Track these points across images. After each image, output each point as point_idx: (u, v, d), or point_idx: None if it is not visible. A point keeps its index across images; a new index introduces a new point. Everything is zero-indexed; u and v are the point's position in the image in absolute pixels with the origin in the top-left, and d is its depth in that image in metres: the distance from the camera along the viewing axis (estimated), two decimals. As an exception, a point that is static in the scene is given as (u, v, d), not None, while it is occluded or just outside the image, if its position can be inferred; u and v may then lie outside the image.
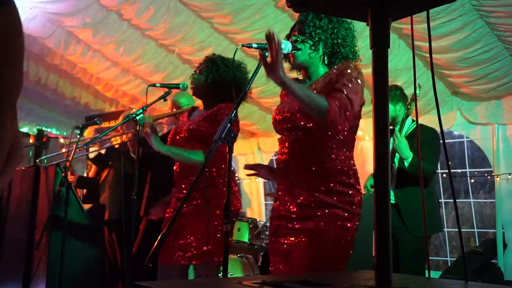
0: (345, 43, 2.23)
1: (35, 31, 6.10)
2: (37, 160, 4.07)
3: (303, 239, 2.13)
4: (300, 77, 2.39)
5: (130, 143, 3.67)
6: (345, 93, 2.06)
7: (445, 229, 6.80)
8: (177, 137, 3.02)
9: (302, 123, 2.16)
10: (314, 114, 2.07)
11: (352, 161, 2.22)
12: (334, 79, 2.14)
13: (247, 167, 2.53)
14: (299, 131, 2.19)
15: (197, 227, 2.80)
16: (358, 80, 2.12)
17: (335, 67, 2.21)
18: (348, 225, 2.12)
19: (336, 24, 2.21)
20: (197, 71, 3.07)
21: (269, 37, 1.92)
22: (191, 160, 2.86)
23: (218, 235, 2.73)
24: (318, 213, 2.11)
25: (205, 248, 2.76)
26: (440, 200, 6.66)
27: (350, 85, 2.09)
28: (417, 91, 3.58)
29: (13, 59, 1.44)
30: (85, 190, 5.06)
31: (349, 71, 2.13)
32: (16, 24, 1.44)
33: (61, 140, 5.11)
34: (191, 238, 2.81)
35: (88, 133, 4.52)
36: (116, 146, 4.08)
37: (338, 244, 2.09)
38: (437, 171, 6.55)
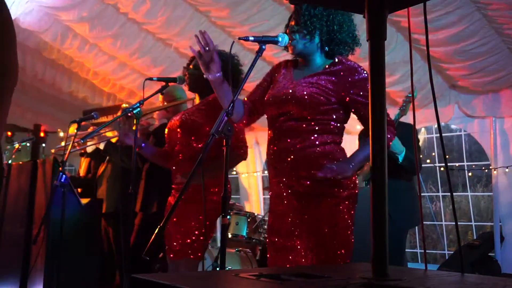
0: (342, 29, 2.20)
1: (31, 25, 6.07)
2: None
3: (301, 232, 2.12)
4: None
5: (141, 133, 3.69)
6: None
7: (443, 223, 6.82)
8: (172, 128, 3.03)
9: (294, 110, 2.16)
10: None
11: (341, 147, 2.23)
12: (349, 85, 2.14)
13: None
14: (290, 119, 2.18)
15: (182, 223, 2.80)
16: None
17: (343, 62, 2.19)
18: (345, 210, 2.12)
19: (331, 11, 2.19)
20: (191, 66, 3.07)
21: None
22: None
23: (197, 232, 2.75)
24: (313, 204, 2.11)
25: (184, 245, 2.77)
26: (438, 194, 6.69)
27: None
28: (415, 92, 3.64)
29: (12, 45, 1.46)
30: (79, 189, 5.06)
31: (366, 83, 2.13)
32: (9, 16, 1.45)
33: (61, 134, 5.11)
34: (177, 234, 2.81)
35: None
36: (114, 141, 4.08)
37: (337, 232, 2.09)
38: (435, 164, 6.59)
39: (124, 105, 4.18)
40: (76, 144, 3.74)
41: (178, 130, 2.96)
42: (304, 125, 2.15)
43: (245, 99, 2.45)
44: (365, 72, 2.17)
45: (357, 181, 2.22)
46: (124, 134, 2.95)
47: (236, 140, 2.84)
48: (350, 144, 2.34)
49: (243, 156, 2.91)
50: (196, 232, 2.77)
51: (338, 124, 2.21)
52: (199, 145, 2.88)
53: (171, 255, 2.84)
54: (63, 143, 4.58)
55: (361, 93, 2.14)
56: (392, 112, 4.26)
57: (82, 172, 5.19)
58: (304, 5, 2.20)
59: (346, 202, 2.13)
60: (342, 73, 2.17)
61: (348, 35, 2.22)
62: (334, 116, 2.18)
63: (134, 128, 2.90)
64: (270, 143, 2.27)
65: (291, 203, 2.16)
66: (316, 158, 2.13)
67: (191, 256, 2.78)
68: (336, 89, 2.15)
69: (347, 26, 2.22)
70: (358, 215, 2.18)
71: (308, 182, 2.12)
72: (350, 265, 1.66)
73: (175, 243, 2.81)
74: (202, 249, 2.79)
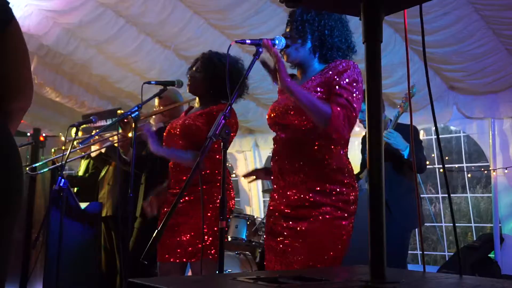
0: (333, 33, 2.18)
1: (31, 28, 6.07)
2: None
3: (298, 239, 2.12)
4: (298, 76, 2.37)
5: (121, 144, 3.65)
6: (346, 97, 2.05)
7: (443, 224, 6.82)
8: (172, 132, 3.02)
9: (296, 122, 2.15)
10: (316, 120, 2.06)
11: (346, 159, 2.20)
12: (332, 79, 2.11)
13: (245, 175, 2.54)
14: (293, 130, 2.17)
15: (192, 224, 2.80)
16: (358, 82, 2.10)
17: (333, 64, 2.17)
18: (343, 223, 2.10)
19: (324, 16, 2.18)
20: (194, 68, 3.06)
21: (266, 46, 2.04)
22: (188, 160, 2.86)
23: (211, 232, 2.74)
24: (313, 213, 2.10)
25: (199, 245, 2.76)
26: (437, 195, 6.68)
27: (350, 88, 2.07)
28: (414, 89, 3.66)
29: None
30: (75, 189, 5.07)
31: (348, 71, 2.10)
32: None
33: (62, 138, 5.10)
34: (187, 235, 2.81)
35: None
36: (116, 144, 4.08)
37: (333, 243, 2.08)
38: (434, 166, 6.60)
39: (119, 111, 4.18)
40: (79, 150, 3.74)
41: (179, 135, 2.96)
42: (306, 135, 2.14)
43: None
44: (345, 63, 2.13)
45: (356, 187, 2.21)
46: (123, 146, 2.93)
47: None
48: (350, 146, 2.32)
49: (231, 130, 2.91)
50: (210, 232, 2.76)
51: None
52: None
53: (184, 259, 2.82)
54: (63, 148, 4.58)
55: (338, 80, 2.09)
56: (391, 113, 4.28)
57: (80, 172, 5.20)
58: (298, 10, 2.20)
59: (344, 210, 2.12)
60: (329, 72, 2.15)
61: (340, 41, 2.20)
62: None
63: (132, 132, 2.90)
64: (274, 155, 2.27)
65: (287, 210, 2.16)
66: (319, 168, 2.13)
67: (210, 257, 2.76)
68: (326, 89, 2.13)
69: (339, 31, 2.20)
70: (358, 218, 2.17)
71: (310, 194, 2.11)
72: (348, 268, 1.66)
73: (188, 245, 2.80)
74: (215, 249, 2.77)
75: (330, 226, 2.08)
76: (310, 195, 2.11)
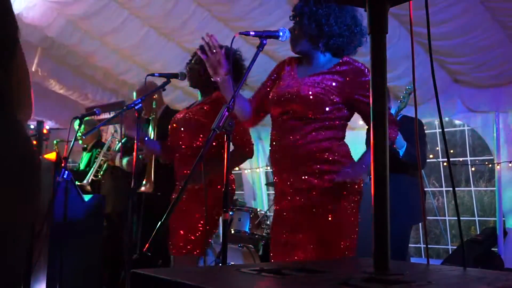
0: (328, 21, 2.16)
1: (35, 19, 6.07)
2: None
3: (304, 228, 2.13)
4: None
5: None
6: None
7: (446, 218, 6.81)
8: (175, 127, 3.02)
9: (298, 109, 2.15)
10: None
11: (343, 142, 2.22)
12: (356, 89, 2.14)
13: None
14: (294, 117, 2.17)
15: (185, 219, 2.81)
16: None
17: (347, 66, 2.17)
18: (348, 205, 2.12)
19: (321, 6, 2.17)
20: (193, 61, 3.06)
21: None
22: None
23: (202, 229, 2.77)
24: (315, 200, 2.11)
25: (190, 241, 2.78)
26: (441, 189, 6.67)
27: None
28: (410, 86, 3.62)
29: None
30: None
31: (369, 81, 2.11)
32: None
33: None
34: (180, 231, 2.82)
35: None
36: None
37: (339, 226, 2.09)
38: (438, 160, 6.58)
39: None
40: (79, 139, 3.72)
41: (182, 129, 2.95)
42: (306, 123, 2.15)
43: (251, 98, 2.45)
44: (366, 72, 2.16)
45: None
46: (127, 126, 2.95)
47: (241, 140, 2.84)
48: (352, 140, 2.32)
49: (248, 154, 2.91)
50: (201, 228, 2.78)
51: (342, 122, 2.21)
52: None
53: (174, 251, 2.85)
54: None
55: (367, 94, 2.12)
56: (393, 108, 4.26)
57: (82, 165, 5.22)
58: (299, 4, 2.21)
59: (349, 197, 2.13)
60: (348, 73, 2.16)
61: (340, 27, 2.17)
62: (338, 115, 2.17)
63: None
64: (272, 141, 2.27)
65: (294, 199, 2.16)
66: (318, 154, 2.13)
67: (194, 253, 2.78)
68: (342, 89, 2.14)
69: (336, 18, 2.16)
70: (361, 210, 2.18)
71: (310, 178, 2.12)
72: (352, 260, 1.66)
73: (178, 239, 2.81)
74: (204, 245, 2.80)
75: (332, 208, 2.10)
76: (309, 179, 2.12)
